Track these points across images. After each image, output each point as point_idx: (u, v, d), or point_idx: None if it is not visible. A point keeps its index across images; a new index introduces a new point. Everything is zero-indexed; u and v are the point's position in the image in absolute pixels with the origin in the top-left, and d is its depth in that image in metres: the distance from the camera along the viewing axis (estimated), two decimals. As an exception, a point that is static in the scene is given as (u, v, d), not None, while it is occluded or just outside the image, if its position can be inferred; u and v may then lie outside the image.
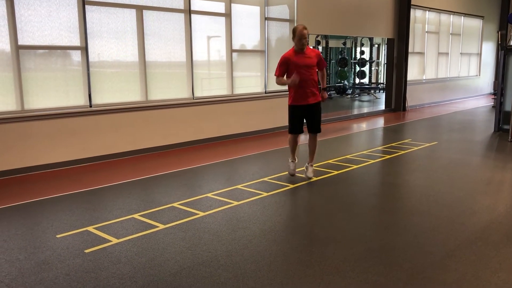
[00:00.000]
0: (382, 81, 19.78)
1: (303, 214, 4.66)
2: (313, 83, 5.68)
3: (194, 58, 8.27)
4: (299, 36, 5.55)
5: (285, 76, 5.70)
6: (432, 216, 4.53)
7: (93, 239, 4.02)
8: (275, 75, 5.72)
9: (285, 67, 5.65)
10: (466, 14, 16.54)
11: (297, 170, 6.05)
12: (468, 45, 17.32)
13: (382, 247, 3.81)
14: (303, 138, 9.38)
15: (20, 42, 6.21)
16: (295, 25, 10.02)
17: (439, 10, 15.03)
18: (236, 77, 9.09)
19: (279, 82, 5.72)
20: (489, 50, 18.82)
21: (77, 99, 6.88)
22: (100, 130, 7.06)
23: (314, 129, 5.85)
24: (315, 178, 5.91)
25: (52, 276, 3.33)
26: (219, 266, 3.48)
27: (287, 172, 6.20)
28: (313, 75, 5.69)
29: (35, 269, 3.46)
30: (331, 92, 18.59)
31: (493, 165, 6.75)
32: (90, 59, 6.92)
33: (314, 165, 6.10)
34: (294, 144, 5.90)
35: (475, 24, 17.51)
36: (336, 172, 6.27)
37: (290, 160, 5.97)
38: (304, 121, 5.85)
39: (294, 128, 5.80)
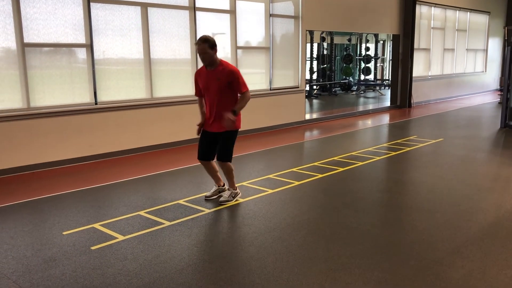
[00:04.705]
0: (387, 78, 19.69)
1: (308, 210, 4.65)
2: (219, 109, 4.64)
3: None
4: (197, 52, 4.57)
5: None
6: (438, 212, 4.52)
7: (99, 236, 4.03)
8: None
9: (197, 86, 4.84)
10: (472, 10, 16.42)
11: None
12: (474, 41, 17.20)
13: (388, 244, 3.80)
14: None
15: (26, 40, 6.23)
16: (300, 21, 10.03)
17: (444, 6, 14.93)
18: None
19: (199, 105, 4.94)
20: (495, 46, 18.68)
21: (82, 97, 6.90)
22: (105, 127, 7.08)
23: (218, 157, 4.83)
24: (241, 200, 4.97)
25: (59, 273, 3.35)
26: (225, 263, 3.49)
27: (290, 170, 6.20)
28: (222, 99, 4.64)
29: (42, 265, 3.47)
30: (336, 88, 18.54)
31: (500, 162, 6.71)
32: (95, 56, 6.93)
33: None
34: (207, 170, 5.02)
35: (482, 19, 17.39)
36: (341, 169, 6.25)
37: (213, 187, 5.16)
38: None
39: (199, 153, 4.92)
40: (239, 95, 4.74)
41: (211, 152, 4.89)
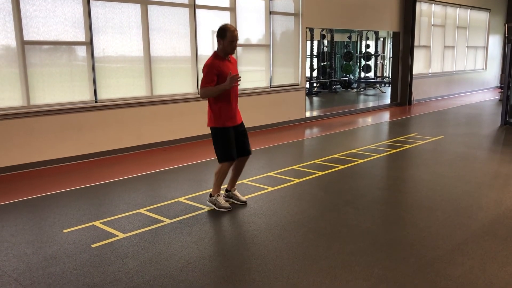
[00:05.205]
0: (387, 75, 19.68)
1: (308, 208, 4.66)
2: (237, 99, 4.69)
3: (199, 53, 8.25)
4: (231, 38, 4.38)
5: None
6: (439, 210, 4.52)
7: (99, 233, 4.03)
8: (202, 87, 4.40)
9: (215, 78, 4.39)
10: (472, 7, 16.40)
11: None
12: (475, 38, 17.18)
13: (388, 241, 3.80)
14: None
15: (26, 38, 6.22)
16: (300, 19, 10.01)
17: (445, 3, 14.91)
18: (240, 72, 9.01)
19: (210, 92, 4.39)
20: (496, 43, 18.66)
21: (82, 95, 6.89)
22: (105, 125, 7.08)
23: (248, 150, 4.78)
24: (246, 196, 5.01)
25: (59, 271, 3.35)
26: (225, 261, 3.49)
27: (291, 168, 6.20)
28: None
29: (42, 263, 3.48)
30: (336, 86, 18.52)
31: (500, 159, 6.71)
32: (95, 54, 6.92)
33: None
34: (226, 174, 4.75)
35: (482, 17, 17.36)
36: (341, 167, 6.25)
37: (222, 195, 4.78)
38: None
39: (233, 152, 4.61)
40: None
41: None
